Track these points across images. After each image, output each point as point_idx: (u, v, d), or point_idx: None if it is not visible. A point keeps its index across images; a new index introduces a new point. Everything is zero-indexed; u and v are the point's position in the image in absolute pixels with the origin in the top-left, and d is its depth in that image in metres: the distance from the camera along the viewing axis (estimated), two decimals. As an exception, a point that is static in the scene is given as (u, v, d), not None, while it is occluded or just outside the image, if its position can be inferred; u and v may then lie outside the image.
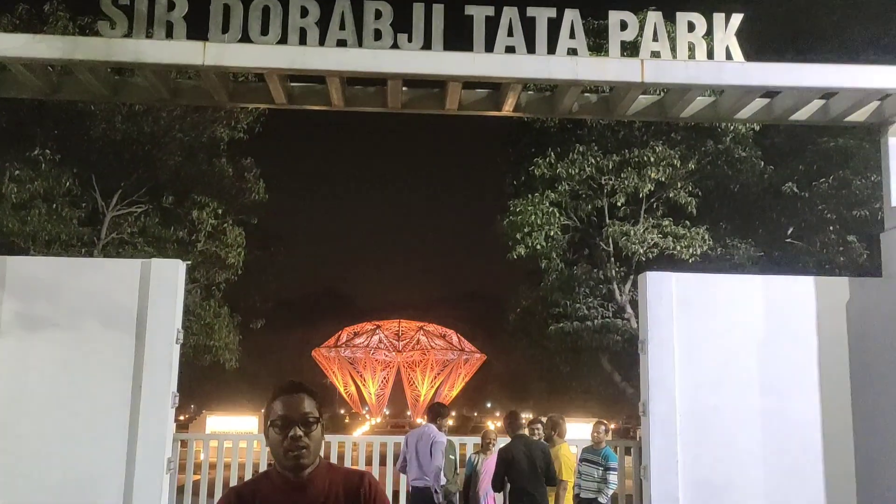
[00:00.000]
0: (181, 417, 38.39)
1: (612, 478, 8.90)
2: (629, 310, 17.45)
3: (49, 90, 10.70)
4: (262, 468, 11.03)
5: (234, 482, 10.95)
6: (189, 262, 12.32)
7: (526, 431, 8.89)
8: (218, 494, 11.06)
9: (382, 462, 11.21)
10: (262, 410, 2.56)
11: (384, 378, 58.29)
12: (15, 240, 15.76)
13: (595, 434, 9.52)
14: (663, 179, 16.26)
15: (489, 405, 71.41)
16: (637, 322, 13.80)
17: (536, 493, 7.51)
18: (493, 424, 36.04)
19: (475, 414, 62.20)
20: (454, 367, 57.43)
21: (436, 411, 9.13)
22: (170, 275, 10.90)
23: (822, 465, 10.57)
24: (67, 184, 16.44)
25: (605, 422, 10.30)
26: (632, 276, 17.34)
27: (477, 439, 10.44)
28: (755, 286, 11.39)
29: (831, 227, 17.18)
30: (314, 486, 2.45)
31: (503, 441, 9.84)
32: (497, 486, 7.99)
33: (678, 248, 16.05)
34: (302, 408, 2.48)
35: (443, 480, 8.69)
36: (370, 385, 57.97)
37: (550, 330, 18.48)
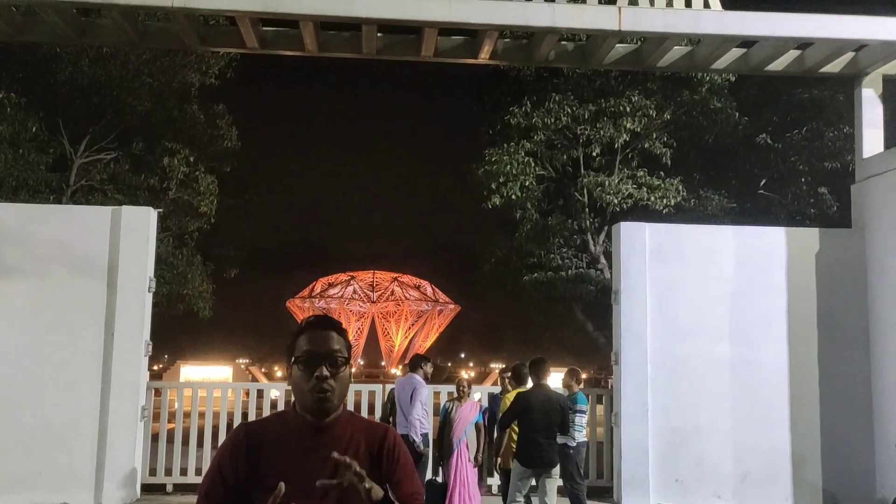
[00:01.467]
0: (155, 367, 38.35)
1: (579, 419, 9.01)
2: (603, 260, 17.53)
3: (13, 31, 10.40)
4: (237, 417, 11.06)
5: (208, 431, 10.99)
6: (161, 211, 12.16)
7: (498, 381, 8.99)
8: (192, 442, 11.10)
9: (357, 409, 11.29)
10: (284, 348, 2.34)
11: (358, 329, 58.50)
12: (-19, 186, 15.45)
13: (567, 380, 9.62)
14: (639, 130, 16.21)
15: (463, 355, 72.12)
16: (610, 273, 13.89)
17: (545, 444, 7.28)
18: (467, 374, 36.41)
19: (449, 364, 62.80)
20: (428, 318, 57.74)
21: (415, 361, 9.19)
22: (141, 223, 10.79)
23: (789, 412, 10.83)
24: (34, 129, 16.05)
25: (578, 369, 10.36)
26: (606, 227, 17.38)
27: (451, 388, 10.51)
28: (727, 237, 11.51)
29: (803, 179, 17.31)
30: (334, 433, 2.26)
31: (484, 390, 9.93)
32: (503, 425, 7.99)
33: (652, 199, 16.09)
34: (330, 345, 2.26)
35: (424, 428, 8.74)
36: (344, 335, 58.12)
37: (524, 280, 18.54)
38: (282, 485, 2.06)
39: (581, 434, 9.21)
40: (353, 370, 2.39)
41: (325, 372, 2.22)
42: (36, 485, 9.81)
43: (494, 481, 10.74)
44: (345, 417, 2.32)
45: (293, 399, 2.35)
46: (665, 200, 16.15)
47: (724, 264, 11.21)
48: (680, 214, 16.37)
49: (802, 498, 10.63)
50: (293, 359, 2.26)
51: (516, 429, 8.26)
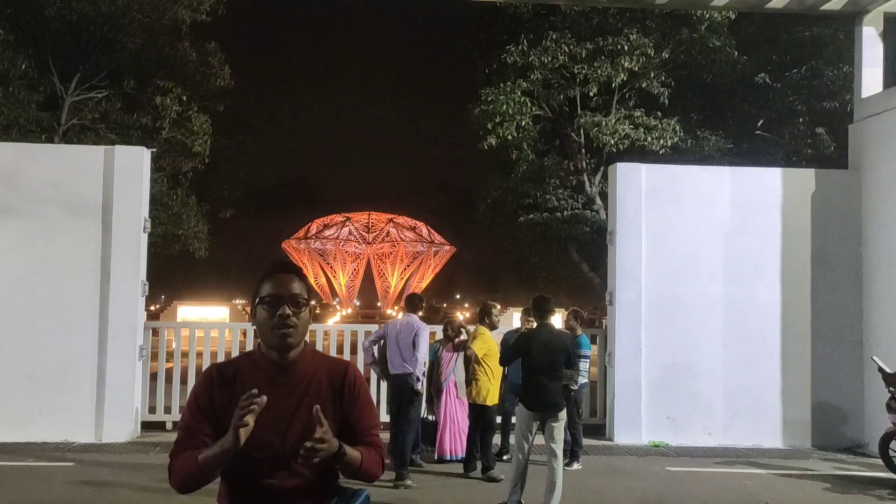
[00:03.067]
0: (152, 307, 38.51)
1: (583, 365, 9.01)
2: (599, 201, 17.50)
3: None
4: (234, 356, 11.15)
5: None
6: (154, 150, 12.05)
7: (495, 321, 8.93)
8: (191, 382, 11.20)
9: (353, 350, 11.37)
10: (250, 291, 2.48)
11: (354, 270, 58.66)
12: (-29, 125, 15.28)
13: (570, 322, 9.53)
14: (636, 69, 16.02)
15: (458, 296, 72.51)
16: (606, 213, 13.87)
17: (550, 386, 6.96)
18: (462, 315, 36.60)
19: (444, 305, 63.20)
20: (424, 259, 57.89)
21: (414, 302, 9.17)
22: (134, 162, 10.71)
23: (780, 352, 10.95)
24: (24, 66, 15.82)
25: (580, 310, 10.28)
26: (602, 168, 17.32)
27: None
28: (723, 177, 11.48)
29: (801, 119, 17.21)
30: (297, 368, 2.41)
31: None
32: (502, 362, 7.96)
33: (649, 139, 15.99)
34: (292, 287, 2.42)
35: (425, 368, 8.79)
36: (340, 277, 58.38)
37: (520, 221, 18.53)
38: (263, 398, 2.19)
39: (583, 378, 9.23)
40: (342, 314, 2.49)
41: (288, 311, 2.37)
42: (37, 423, 9.93)
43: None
44: (308, 354, 2.47)
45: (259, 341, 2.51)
46: (662, 141, 16.06)
47: (719, 205, 11.20)
48: (677, 155, 16.30)
49: (791, 435, 10.82)
50: (257, 300, 2.43)
51: (489, 366, 8.30)
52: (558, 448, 6.90)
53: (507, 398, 8.88)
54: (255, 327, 2.48)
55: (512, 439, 7.62)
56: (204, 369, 2.52)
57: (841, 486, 8.61)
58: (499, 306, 9.54)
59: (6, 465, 8.66)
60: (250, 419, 2.17)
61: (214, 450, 2.25)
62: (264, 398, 2.18)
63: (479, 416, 8.53)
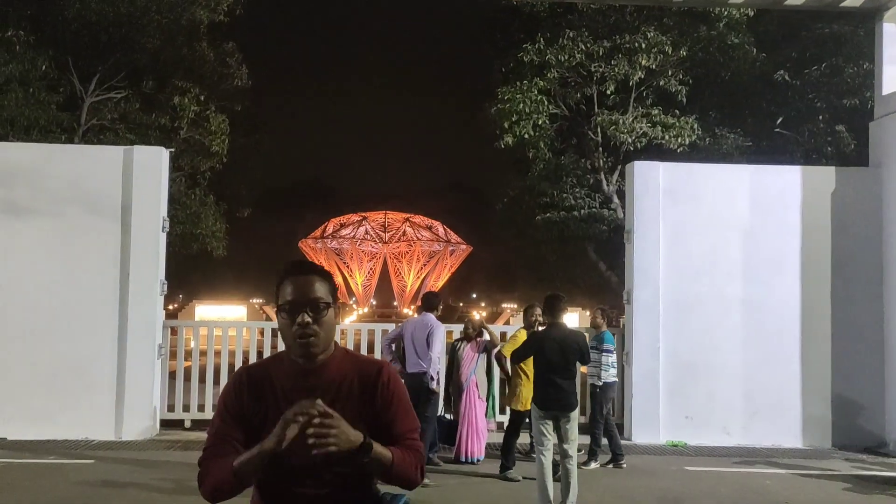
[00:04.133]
0: (170, 306, 38.73)
1: (606, 359, 8.98)
2: (616, 200, 17.42)
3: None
4: (252, 355, 11.20)
5: (224, 369, 11.14)
6: (172, 150, 12.12)
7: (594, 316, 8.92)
8: (209, 380, 11.27)
9: (371, 349, 11.40)
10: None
11: (371, 269, 58.76)
12: (-7, 126, 15.43)
13: (595, 319, 9.53)
14: (654, 67, 15.93)
15: (474, 296, 72.45)
16: (623, 212, 13.81)
17: (564, 385, 6.84)
18: (479, 314, 36.56)
19: (461, 304, 63.14)
20: (440, 258, 57.90)
21: (430, 301, 9.17)
22: (153, 162, 10.78)
23: (800, 351, 10.87)
24: (44, 67, 15.95)
25: (606, 308, 10.27)
26: (619, 166, 17.23)
27: (462, 326, 10.55)
28: (742, 176, 11.40)
29: (821, 117, 17.04)
30: (327, 372, 2.29)
31: (497, 330, 9.96)
32: (514, 360, 7.93)
33: (667, 137, 15.89)
34: (311, 292, 2.27)
35: (439, 367, 8.82)
36: (357, 276, 58.49)
37: (537, 220, 18.48)
38: (316, 410, 2.10)
39: (609, 374, 9.16)
40: (359, 312, 2.40)
41: (307, 318, 2.25)
42: (58, 421, 10.02)
43: (503, 418, 10.88)
44: (339, 356, 2.36)
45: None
46: (680, 139, 15.95)
47: (738, 204, 11.13)
48: (694, 153, 16.20)
49: (811, 435, 10.73)
50: (277, 307, 2.31)
51: (526, 371, 8.22)
52: (572, 448, 6.85)
53: None
54: (280, 332, 2.38)
55: None
56: (234, 372, 2.43)
57: (861, 486, 8.52)
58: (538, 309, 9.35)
59: (28, 462, 8.75)
60: (296, 428, 2.07)
61: (250, 455, 2.14)
62: (317, 409, 2.08)
63: (515, 420, 8.52)
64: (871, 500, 7.97)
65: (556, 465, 7.16)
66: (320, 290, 2.31)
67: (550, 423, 6.90)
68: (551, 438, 6.94)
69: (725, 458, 9.73)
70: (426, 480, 7.99)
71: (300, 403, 2.08)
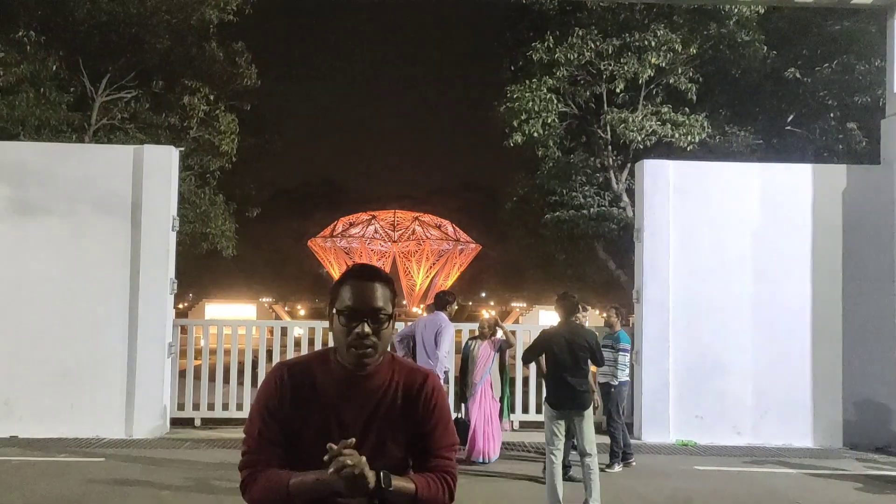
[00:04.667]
0: (180, 305, 38.87)
1: (622, 359, 8.92)
2: (625, 198, 17.37)
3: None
4: (262, 354, 11.20)
5: (234, 368, 11.15)
6: (182, 149, 12.15)
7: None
8: (219, 379, 11.30)
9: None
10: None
11: (379, 267, 58.78)
12: (4, 125, 15.49)
13: (610, 318, 9.48)
14: (663, 65, 15.87)
15: (484, 294, 72.41)
16: (633, 210, 13.77)
17: (575, 384, 6.81)
18: (488, 313, 36.48)
19: (470, 303, 63.07)
20: (449, 257, 57.84)
21: (442, 299, 9.12)
22: (163, 161, 10.81)
23: (811, 350, 10.81)
24: (54, 67, 16.02)
25: (620, 307, 10.20)
26: (629, 165, 17.19)
27: (472, 326, 10.57)
28: (752, 174, 11.35)
29: (832, 114, 16.94)
30: (374, 380, 2.20)
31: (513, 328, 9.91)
32: (525, 360, 7.89)
33: (676, 135, 15.83)
34: (374, 301, 2.16)
35: (446, 366, 8.78)
36: (366, 274, 58.43)
37: (546, 218, 18.45)
38: (352, 440, 2.06)
39: (624, 373, 9.08)
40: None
41: (367, 329, 2.15)
42: (69, 418, 10.07)
43: (516, 418, 10.89)
44: (385, 363, 2.26)
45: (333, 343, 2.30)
46: (689, 137, 15.89)
47: (748, 202, 11.08)
48: (704, 152, 16.14)
49: (822, 435, 10.68)
50: (335, 309, 2.20)
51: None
52: (591, 446, 6.82)
53: None
54: (312, 325, 2.32)
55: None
56: (272, 368, 2.32)
57: (873, 486, 8.48)
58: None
59: (39, 459, 8.79)
60: (353, 464, 1.99)
61: (310, 482, 2.08)
62: (352, 440, 2.03)
63: None
64: (882, 499, 7.92)
65: (566, 466, 7.13)
66: (382, 299, 2.20)
67: (563, 422, 6.88)
68: (562, 439, 6.92)
69: (735, 458, 9.69)
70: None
71: (342, 444, 2.02)
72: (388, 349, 2.31)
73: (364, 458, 2.00)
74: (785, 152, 16.51)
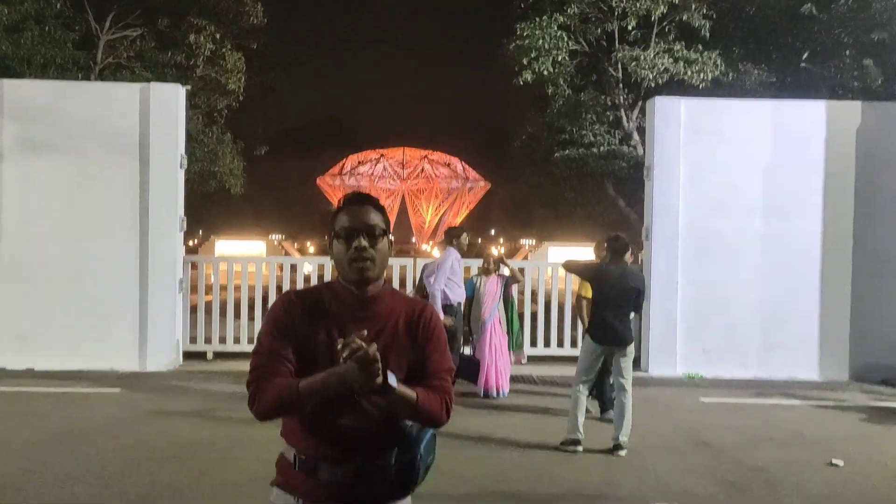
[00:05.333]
0: (190, 242, 39.05)
1: None
2: (636, 137, 17.23)
3: None
4: (272, 290, 11.32)
5: (244, 304, 11.28)
6: (188, 87, 12.08)
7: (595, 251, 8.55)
8: (230, 315, 11.43)
9: (387, 283, 11.48)
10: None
11: (389, 206, 58.74)
12: (9, 63, 15.41)
13: (599, 253, 9.41)
14: (676, 1, 15.54)
15: (493, 232, 72.48)
16: (644, 149, 13.67)
17: (618, 325, 6.84)
18: (497, 249, 36.61)
19: (479, 241, 63.17)
20: (458, 196, 57.74)
21: (451, 233, 9.07)
22: (170, 99, 10.76)
23: (819, 285, 10.85)
24: (59, 5, 15.87)
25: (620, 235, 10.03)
26: (640, 103, 16.99)
27: (479, 262, 10.54)
28: (765, 111, 11.24)
29: (847, 52, 16.64)
30: (378, 305, 2.34)
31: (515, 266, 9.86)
32: (567, 267, 7.75)
33: (689, 73, 15.61)
34: (368, 218, 2.33)
35: (447, 299, 8.64)
36: (375, 214, 58.47)
37: (556, 157, 18.34)
38: (364, 332, 2.09)
39: None
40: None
41: (364, 242, 2.29)
42: (84, 352, 10.23)
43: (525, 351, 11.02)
44: (388, 293, 2.42)
45: (337, 274, 2.43)
46: (702, 75, 15.66)
47: (760, 140, 10.99)
48: (717, 90, 15.92)
49: (828, 368, 10.78)
50: (333, 234, 2.35)
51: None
52: (627, 383, 6.88)
53: None
54: (322, 262, 2.43)
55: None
56: (281, 294, 2.44)
57: (878, 417, 8.59)
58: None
59: (56, 391, 8.98)
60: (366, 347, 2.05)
61: (320, 378, 2.16)
62: (364, 332, 2.09)
63: None
64: (887, 430, 8.03)
65: (608, 401, 7.15)
66: (376, 217, 2.37)
67: (602, 357, 6.95)
68: (594, 374, 7.01)
69: (741, 391, 9.81)
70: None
71: (353, 336, 2.07)
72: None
73: (375, 345, 2.06)
74: (799, 90, 16.27)
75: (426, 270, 8.99)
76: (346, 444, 2.25)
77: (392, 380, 2.11)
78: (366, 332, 2.09)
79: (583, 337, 7.43)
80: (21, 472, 5.90)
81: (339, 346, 2.06)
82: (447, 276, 8.59)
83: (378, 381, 2.07)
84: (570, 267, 7.65)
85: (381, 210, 2.40)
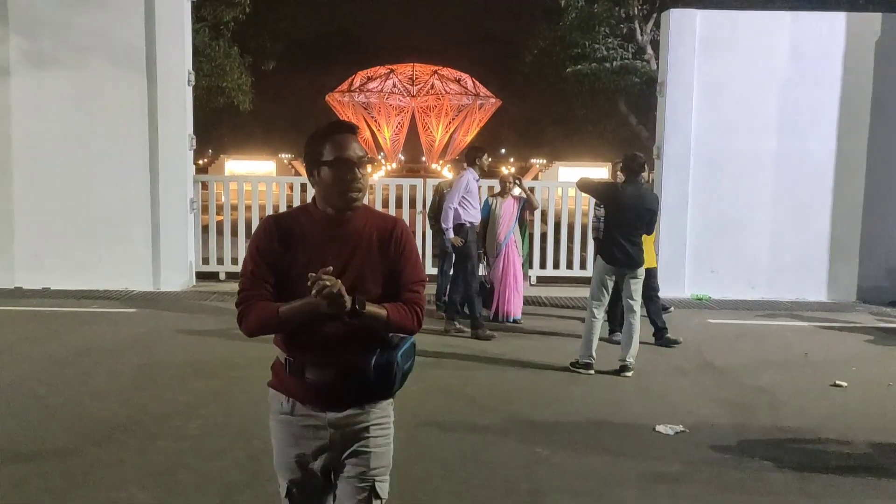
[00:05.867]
0: (200, 161, 38.98)
1: None
2: (650, 51, 16.89)
3: None
4: (283, 209, 11.34)
5: (255, 223, 11.32)
6: None
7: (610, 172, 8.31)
8: (241, 235, 11.49)
9: (398, 204, 11.46)
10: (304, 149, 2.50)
11: (399, 123, 58.11)
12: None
13: (616, 174, 9.25)
14: None
15: (503, 151, 71.83)
16: (657, 64, 13.40)
17: (629, 247, 6.78)
18: (507, 169, 36.46)
19: (489, 159, 62.39)
20: (469, 112, 57.01)
21: (471, 154, 8.73)
22: (175, 11, 10.54)
23: (831, 206, 10.79)
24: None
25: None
26: (655, 15, 16.59)
27: (492, 182, 10.48)
28: (783, 23, 10.95)
29: (871, -40, 16.10)
30: (351, 223, 2.49)
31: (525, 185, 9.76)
32: (581, 187, 7.48)
33: (706, -18, 15.18)
34: (357, 149, 2.47)
35: (459, 218, 8.48)
36: (385, 130, 58.01)
37: (568, 72, 18.02)
38: (330, 268, 2.32)
39: None
40: (387, 168, 2.55)
41: (358, 174, 2.45)
42: (98, 272, 10.36)
43: (534, 273, 11.08)
44: (361, 210, 2.54)
45: (316, 197, 2.56)
46: (720, -15, 15.19)
47: (777, 53, 10.74)
48: (735, 1, 15.48)
49: (836, 290, 10.81)
50: (321, 162, 2.47)
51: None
52: (636, 304, 6.91)
53: None
54: (314, 185, 2.51)
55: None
56: (261, 220, 2.59)
57: (883, 338, 8.66)
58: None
59: (73, 310, 9.13)
60: (331, 284, 2.25)
61: (297, 306, 2.36)
62: (330, 268, 2.30)
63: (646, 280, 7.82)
64: (892, 351, 8.11)
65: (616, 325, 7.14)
66: (360, 147, 2.50)
67: (614, 278, 6.91)
68: (608, 296, 6.99)
69: (749, 312, 9.89)
70: (457, 324, 8.28)
71: (321, 271, 2.28)
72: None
73: (340, 281, 2.27)
74: (820, 1, 15.80)
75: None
76: (328, 349, 2.44)
77: (361, 305, 2.33)
78: (331, 269, 2.30)
79: (593, 259, 7.38)
80: (44, 389, 6.06)
81: (309, 283, 2.25)
82: (461, 194, 8.41)
83: (346, 310, 2.29)
84: (584, 186, 7.49)
85: (358, 136, 2.56)
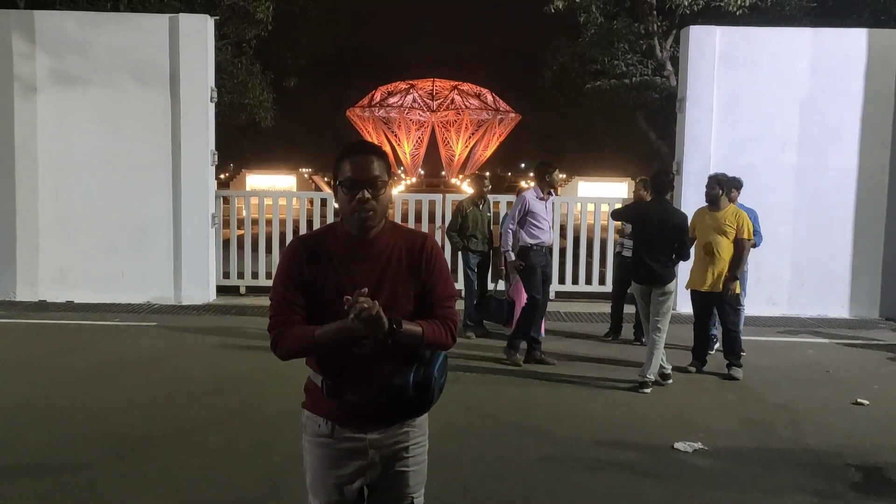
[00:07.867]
0: (221, 176, 39.30)
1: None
2: (669, 67, 16.86)
3: None
4: (302, 224, 11.43)
5: (276, 237, 11.42)
6: (217, 17, 11.99)
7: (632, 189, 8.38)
8: (261, 249, 11.59)
9: (417, 219, 11.52)
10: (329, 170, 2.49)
11: (419, 138, 58.41)
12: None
13: (638, 191, 9.17)
14: (715, -78, 15.04)
15: (523, 165, 71.95)
16: (676, 80, 13.40)
17: (656, 267, 6.79)
18: (527, 184, 36.45)
19: (509, 174, 62.61)
20: (489, 127, 57.19)
21: (539, 171, 8.06)
22: (199, 30, 10.72)
23: (853, 221, 10.71)
24: (85, -67, 15.68)
25: (647, 178, 9.77)
26: (675, 31, 16.59)
27: (511, 198, 10.53)
28: (803, 39, 10.93)
29: (892, -25, 16.02)
30: (378, 243, 2.48)
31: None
32: (614, 216, 7.81)
33: (725, -1, 15.18)
34: (371, 170, 2.42)
35: (522, 240, 8.24)
36: (405, 145, 58.28)
37: (587, 87, 18.05)
38: (365, 289, 2.29)
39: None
40: (406, 182, 2.52)
41: (367, 195, 2.39)
42: (121, 286, 10.49)
43: (553, 288, 11.05)
44: (388, 228, 2.53)
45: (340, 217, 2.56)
46: (739, 1, 15.19)
47: (797, 69, 10.72)
48: (754, 17, 15.45)
49: (859, 306, 10.72)
50: (338, 182, 2.47)
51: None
52: (661, 322, 6.87)
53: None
54: (336, 206, 2.52)
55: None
56: (288, 242, 2.59)
57: (906, 356, 8.57)
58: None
59: (95, 323, 9.24)
60: (370, 307, 2.22)
61: (333, 329, 2.34)
62: (366, 290, 2.27)
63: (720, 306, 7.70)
64: (914, 369, 8.02)
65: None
66: (378, 168, 2.45)
67: (646, 293, 6.98)
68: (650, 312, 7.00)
69: (770, 328, 9.82)
70: (468, 333, 8.28)
71: (357, 293, 2.25)
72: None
73: (377, 303, 2.24)
74: (840, 17, 15.75)
75: None
76: (365, 369, 2.43)
77: (398, 325, 2.31)
78: (366, 290, 2.26)
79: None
80: (67, 402, 6.14)
81: (346, 307, 2.22)
82: (517, 216, 8.03)
83: (384, 331, 2.27)
84: (617, 215, 7.78)
85: (383, 158, 2.50)
